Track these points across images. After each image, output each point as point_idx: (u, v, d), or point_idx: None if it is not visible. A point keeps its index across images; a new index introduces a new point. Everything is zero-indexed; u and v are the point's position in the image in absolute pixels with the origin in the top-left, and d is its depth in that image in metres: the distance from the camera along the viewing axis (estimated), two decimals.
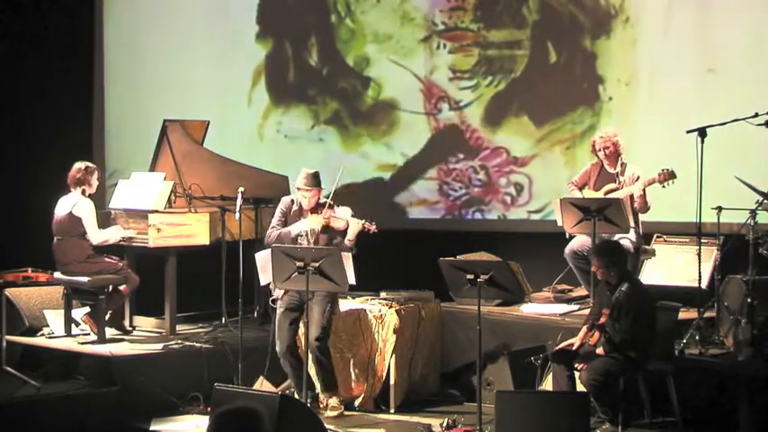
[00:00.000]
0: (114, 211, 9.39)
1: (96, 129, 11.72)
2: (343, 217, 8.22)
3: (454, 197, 10.75)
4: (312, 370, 8.25)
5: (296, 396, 8.12)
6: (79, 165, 9.04)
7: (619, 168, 8.84)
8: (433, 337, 8.91)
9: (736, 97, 9.22)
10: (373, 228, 8.12)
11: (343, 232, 8.22)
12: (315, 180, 8.29)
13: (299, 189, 8.31)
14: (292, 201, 8.40)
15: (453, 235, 10.40)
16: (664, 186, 8.55)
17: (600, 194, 8.79)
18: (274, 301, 8.28)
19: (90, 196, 9.04)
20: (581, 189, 8.98)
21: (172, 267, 9.17)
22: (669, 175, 8.49)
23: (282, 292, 8.15)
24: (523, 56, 10.47)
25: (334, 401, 8.21)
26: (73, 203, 8.92)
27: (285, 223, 8.33)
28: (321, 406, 8.26)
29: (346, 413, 8.29)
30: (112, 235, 9.07)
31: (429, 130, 10.83)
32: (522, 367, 8.22)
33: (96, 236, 8.95)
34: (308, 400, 7.86)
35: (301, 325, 8.16)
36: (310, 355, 8.05)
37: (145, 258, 9.37)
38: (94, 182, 9.06)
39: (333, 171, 8.52)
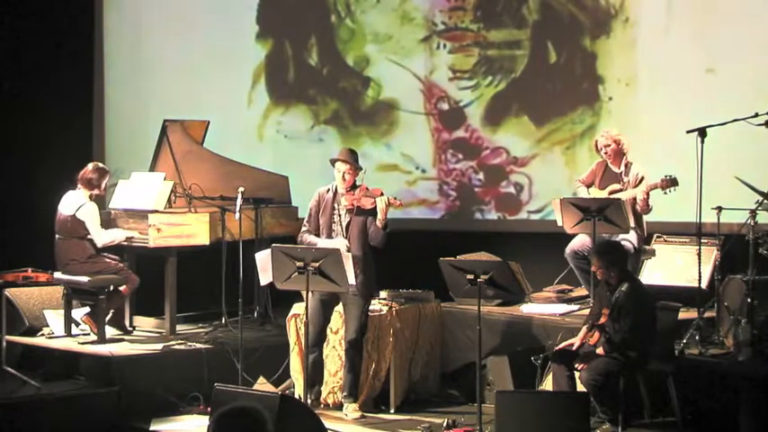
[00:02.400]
0: (114, 211, 9.38)
1: (96, 129, 11.72)
2: (372, 193, 8.07)
3: (454, 197, 10.76)
4: (324, 370, 8.35)
5: (299, 394, 8.13)
6: (93, 165, 9.06)
7: (623, 168, 8.84)
8: (433, 337, 8.90)
9: (736, 97, 9.22)
10: (398, 203, 8.03)
11: (374, 212, 8.07)
12: (352, 155, 8.18)
13: (334, 162, 8.17)
14: (327, 189, 8.23)
15: (453, 235, 10.40)
16: (666, 193, 8.55)
17: (604, 194, 8.79)
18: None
19: (95, 198, 9.04)
20: (588, 187, 8.98)
21: (172, 267, 9.17)
22: (671, 182, 8.48)
23: None
24: (523, 56, 10.48)
25: (354, 406, 8.19)
26: (78, 206, 8.90)
27: (315, 216, 8.21)
28: (321, 405, 8.27)
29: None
30: (116, 236, 9.07)
31: (429, 130, 10.84)
32: (522, 367, 8.21)
33: (100, 238, 8.94)
34: (309, 400, 7.86)
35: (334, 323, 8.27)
36: (344, 356, 8.15)
37: (145, 258, 9.37)
38: (104, 185, 9.05)
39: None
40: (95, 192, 9.00)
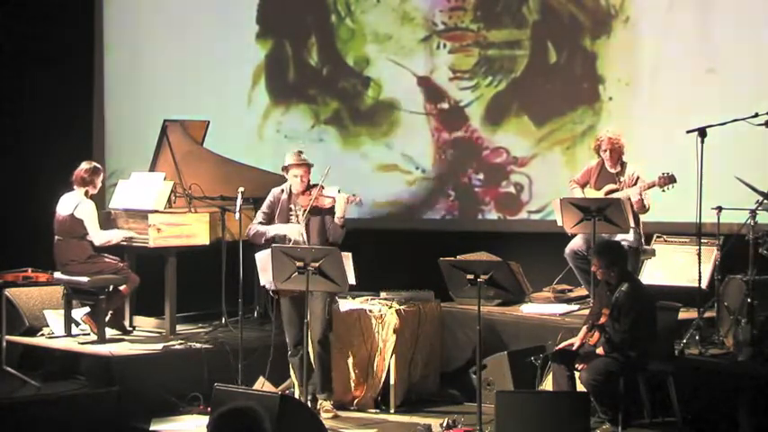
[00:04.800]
0: (114, 211, 9.39)
1: (96, 129, 11.72)
2: (329, 193, 8.11)
3: (454, 197, 10.76)
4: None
5: (297, 395, 8.13)
6: (86, 165, 9.04)
7: (619, 168, 8.85)
8: (432, 337, 8.90)
9: (736, 97, 9.22)
10: (357, 199, 8.02)
11: (332, 211, 8.09)
12: (302, 157, 8.18)
13: (288, 168, 8.18)
14: (282, 190, 8.27)
15: (453, 235, 10.40)
16: (664, 190, 8.56)
17: (600, 194, 8.80)
18: (276, 293, 8.20)
19: (91, 197, 9.04)
20: (582, 187, 8.99)
21: (172, 267, 9.17)
22: (669, 180, 8.49)
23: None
24: (523, 56, 10.47)
25: (327, 405, 8.20)
26: (75, 204, 8.91)
27: (271, 215, 8.25)
28: (318, 407, 8.27)
29: (345, 413, 8.30)
30: (115, 236, 9.07)
31: (429, 130, 10.83)
32: (522, 367, 8.21)
33: (98, 237, 8.95)
34: (309, 400, 7.86)
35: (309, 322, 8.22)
36: (311, 353, 8.06)
37: (145, 258, 9.37)
38: (98, 183, 9.06)
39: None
40: (90, 189, 8.98)
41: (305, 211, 8.08)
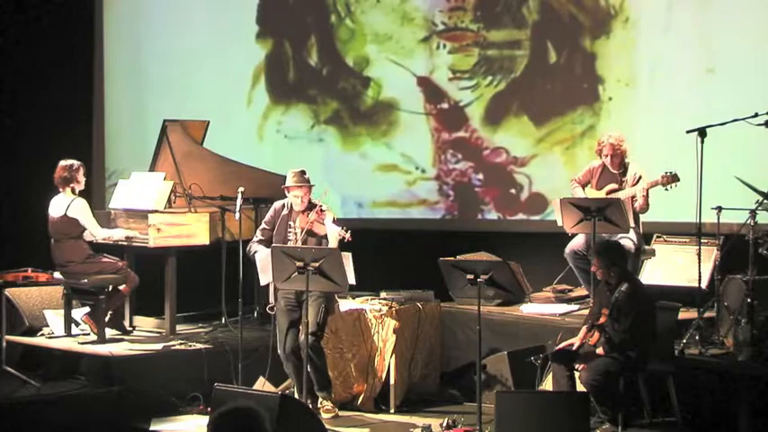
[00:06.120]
0: (114, 211, 9.38)
1: (96, 129, 11.72)
2: (325, 223, 8.13)
3: (454, 197, 10.76)
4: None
5: (296, 396, 8.13)
6: (63, 163, 8.97)
7: (621, 169, 8.86)
8: (433, 337, 8.91)
9: (736, 97, 9.22)
10: (347, 236, 7.99)
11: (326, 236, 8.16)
12: (303, 177, 8.22)
13: (288, 189, 8.24)
14: (283, 205, 8.31)
15: (453, 235, 10.40)
16: (667, 189, 8.57)
17: (602, 194, 8.81)
18: (272, 309, 8.26)
19: (81, 193, 9.01)
20: (584, 187, 8.99)
21: (172, 267, 9.17)
22: (672, 178, 8.51)
23: (278, 297, 8.15)
24: (523, 56, 10.48)
25: (328, 404, 8.20)
26: (66, 205, 8.87)
27: (271, 230, 8.28)
28: (319, 406, 8.26)
29: (345, 413, 8.30)
30: (116, 233, 9.06)
31: (429, 130, 10.84)
32: (522, 367, 8.21)
33: (99, 232, 8.93)
34: (308, 401, 7.86)
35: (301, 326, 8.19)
36: (304, 358, 8.08)
37: (145, 258, 9.37)
38: (81, 178, 8.97)
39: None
40: (76, 186, 8.94)
41: (302, 231, 8.14)
